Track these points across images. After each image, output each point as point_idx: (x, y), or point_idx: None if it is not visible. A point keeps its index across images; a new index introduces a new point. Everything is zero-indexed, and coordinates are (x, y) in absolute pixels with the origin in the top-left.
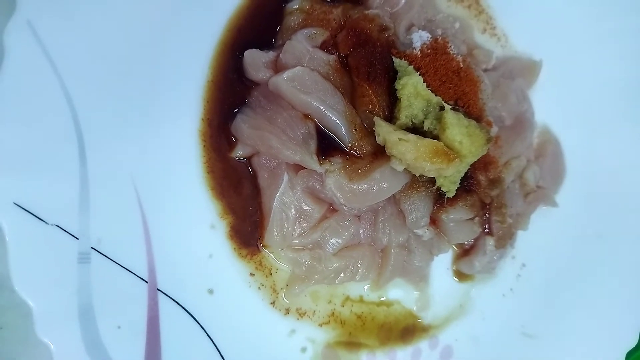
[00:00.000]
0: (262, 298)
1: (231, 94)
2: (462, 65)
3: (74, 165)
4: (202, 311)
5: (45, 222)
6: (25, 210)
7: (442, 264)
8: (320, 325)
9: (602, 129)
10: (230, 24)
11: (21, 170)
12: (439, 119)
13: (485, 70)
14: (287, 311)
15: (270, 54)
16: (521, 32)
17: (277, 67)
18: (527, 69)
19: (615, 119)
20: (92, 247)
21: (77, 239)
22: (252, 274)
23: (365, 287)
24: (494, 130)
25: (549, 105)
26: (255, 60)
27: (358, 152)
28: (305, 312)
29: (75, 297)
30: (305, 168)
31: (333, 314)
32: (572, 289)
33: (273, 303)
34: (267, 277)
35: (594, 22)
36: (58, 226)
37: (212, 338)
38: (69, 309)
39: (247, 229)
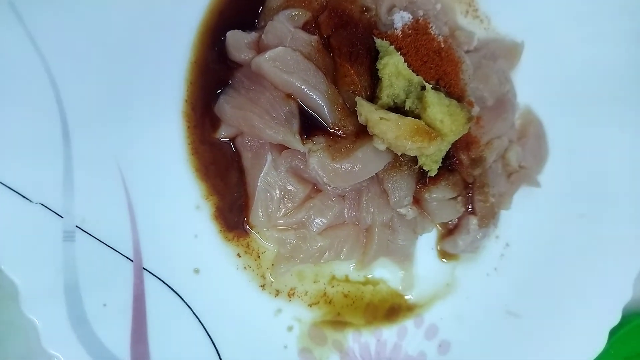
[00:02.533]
0: (248, 278)
1: (214, 75)
2: (443, 46)
3: (57, 145)
4: (188, 290)
5: (30, 201)
6: (9, 188)
7: (426, 243)
8: (310, 305)
9: (584, 110)
10: (212, 5)
11: (5, 149)
12: (420, 99)
13: (467, 52)
14: (277, 292)
15: (253, 35)
16: (503, 15)
17: (260, 48)
18: (509, 51)
19: (597, 100)
20: (76, 226)
21: (62, 217)
22: (239, 255)
23: (351, 267)
24: (475, 110)
25: (531, 87)
26: (238, 41)
27: (341, 131)
28: (294, 293)
29: (61, 275)
30: (288, 148)
31: (325, 294)
32: (556, 268)
33: (263, 286)
34: (255, 259)
35: (574, 4)
36: (42, 204)
37: (198, 316)
38: (55, 287)
39: (233, 211)
